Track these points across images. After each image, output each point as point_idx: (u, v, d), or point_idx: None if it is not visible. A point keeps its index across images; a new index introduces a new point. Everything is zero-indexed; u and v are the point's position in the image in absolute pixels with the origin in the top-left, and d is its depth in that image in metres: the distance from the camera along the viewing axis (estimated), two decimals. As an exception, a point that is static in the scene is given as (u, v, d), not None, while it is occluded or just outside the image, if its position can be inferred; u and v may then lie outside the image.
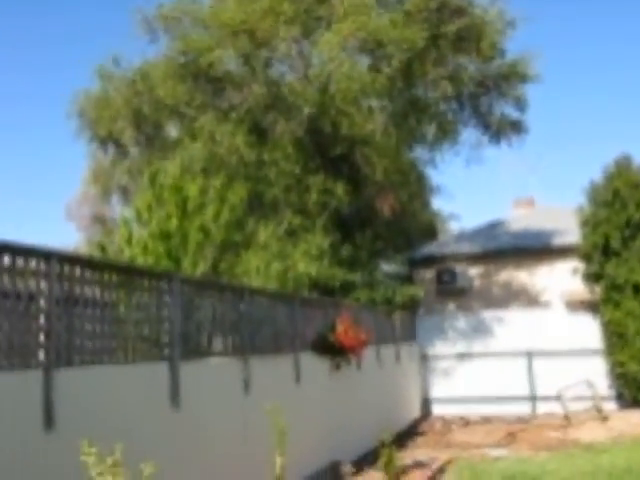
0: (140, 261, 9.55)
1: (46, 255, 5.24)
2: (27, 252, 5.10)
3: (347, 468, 10.08)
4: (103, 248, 10.13)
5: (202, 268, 9.85)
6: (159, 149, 16.95)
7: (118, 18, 32.68)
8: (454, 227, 31.58)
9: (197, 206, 10.25)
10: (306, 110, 15.10)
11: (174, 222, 9.95)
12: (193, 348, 7.33)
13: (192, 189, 10.42)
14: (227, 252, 10.87)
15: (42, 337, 5.16)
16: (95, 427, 5.33)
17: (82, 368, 5.57)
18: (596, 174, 17.39)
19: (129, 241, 9.92)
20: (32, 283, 5.15)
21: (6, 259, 4.91)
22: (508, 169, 59.55)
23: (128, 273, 6.45)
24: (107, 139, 18.44)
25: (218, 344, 8.01)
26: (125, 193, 19.98)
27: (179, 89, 15.38)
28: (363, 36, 13.90)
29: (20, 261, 5.03)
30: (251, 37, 14.95)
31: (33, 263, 5.14)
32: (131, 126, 16.85)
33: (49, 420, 5.04)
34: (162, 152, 16.37)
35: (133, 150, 18.54)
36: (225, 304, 8.21)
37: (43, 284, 5.21)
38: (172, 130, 17.85)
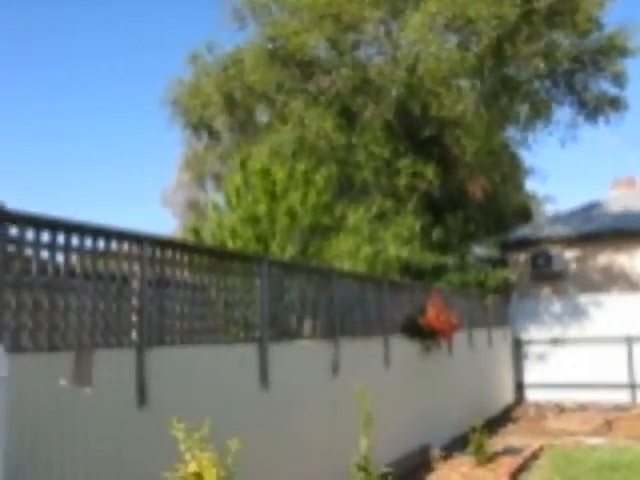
0: (229, 245, 9.75)
1: (138, 239, 5.42)
2: (120, 236, 5.29)
3: (436, 452, 10.02)
4: (197, 232, 10.41)
5: (290, 251, 9.96)
6: (250, 134, 17.18)
7: (208, 8, 33.34)
8: (550, 209, 30.69)
9: (284, 190, 10.35)
10: (394, 92, 14.94)
11: (262, 206, 10.10)
12: (282, 330, 7.44)
13: (280, 173, 10.53)
14: (315, 236, 10.94)
15: (135, 317, 5.34)
16: (185, 405, 5.49)
17: (173, 348, 5.74)
18: None
19: (219, 225, 10.15)
20: (125, 266, 5.34)
21: (101, 243, 5.10)
22: (607, 148, 57.28)
23: (218, 256, 6.60)
24: (200, 125, 18.86)
25: (307, 326, 8.10)
26: (218, 179, 20.37)
27: (269, 74, 15.54)
28: (451, 13, 13.63)
29: (114, 245, 5.22)
30: (337, 21, 14.93)
31: (126, 246, 5.33)
32: (223, 112, 17.15)
33: (142, 397, 5.22)
34: (253, 137, 16.60)
35: (225, 136, 18.86)
36: (314, 287, 8.28)
37: (136, 267, 5.39)
38: (263, 115, 18.05)
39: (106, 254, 5.15)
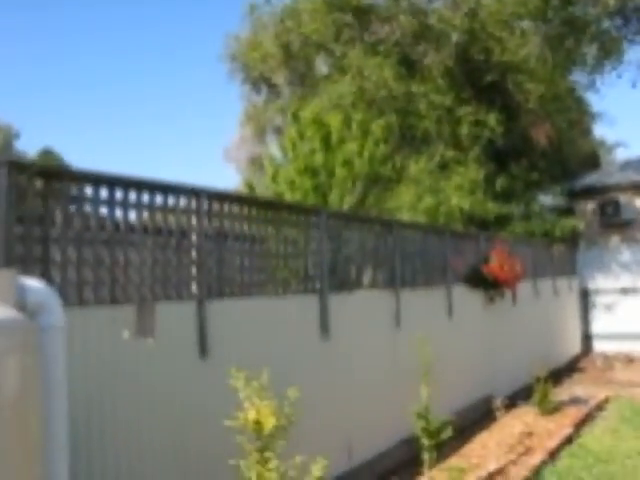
0: (287, 197, 9.76)
1: (195, 192, 5.46)
2: (177, 190, 5.34)
3: (500, 402, 9.97)
4: (251, 186, 10.40)
5: (349, 202, 9.90)
6: (310, 87, 17.06)
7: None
8: (621, 155, 29.63)
9: (341, 140, 10.23)
10: (455, 38, 14.55)
11: (318, 157, 10.02)
12: (342, 281, 7.45)
13: (334, 123, 10.40)
14: (375, 187, 10.83)
15: (194, 270, 5.42)
16: (246, 356, 5.58)
17: (233, 300, 5.82)
18: None
19: (275, 178, 10.12)
20: (184, 220, 5.40)
21: (158, 198, 5.17)
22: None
23: (275, 208, 6.62)
24: (259, 80, 18.84)
25: (368, 277, 8.10)
26: (279, 133, 20.36)
27: (326, 24, 15.33)
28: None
29: (171, 199, 5.28)
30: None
31: (183, 201, 5.38)
32: (281, 65, 17.07)
33: (203, 349, 5.33)
34: (312, 90, 16.47)
35: (285, 90, 18.79)
36: (374, 237, 8.26)
37: (194, 220, 5.45)
38: (321, 67, 17.88)
39: (164, 209, 5.21)
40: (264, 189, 10.43)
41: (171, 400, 5.02)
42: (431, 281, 9.69)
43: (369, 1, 16.18)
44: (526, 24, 15.03)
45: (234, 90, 24.29)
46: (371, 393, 7.65)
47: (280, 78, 17.63)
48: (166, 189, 5.25)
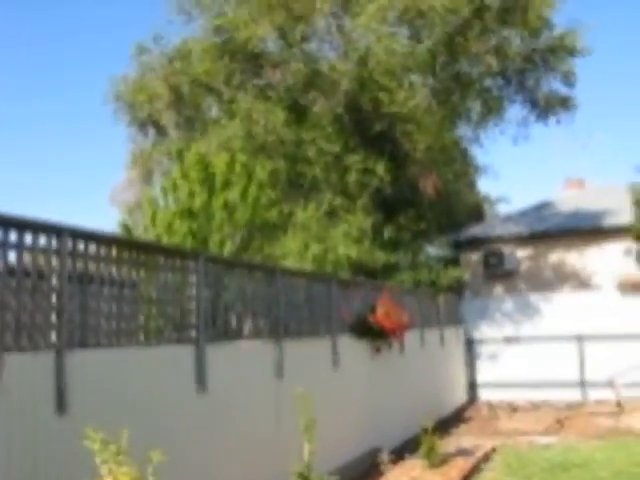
0: (165, 241, 9.23)
1: (57, 230, 4.95)
2: (36, 227, 4.82)
3: (386, 456, 9.68)
4: (127, 228, 9.79)
5: (230, 248, 9.47)
6: (198, 130, 16.68)
7: (150, 7, 32.48)
8: (503, 210, 30.65)
9: (224, 183, 9.85)
10: (345, 85, 14.59)
11: (198, 200, 9.56)
12: (221, 330, 7.02)
13: (219, 165, 10.03)
14: (259, 233, 10.47)
15: (54, 317, 4.89)
16: (111, 413, 5.05)
17: (98, 350, 5.29)
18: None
19: (153, 220, 9.59)
20: (43, 260, 4.87)
21: (12, 234, 4.63)
22: (557, 148, 57.88)
23: (148, 251, 6.15)
24: (146, 122, 18.31)
25: (249, 326, 7.70)
26: (166, 176, 19.82)
27: (217, 67, 15.08)
28: (404, 5, 13.33)
29: (29, 237, 4.76)
30: (288, 11, 14.52)
31: (43, 239, 4.86)
32: (170, 107, 16.63)
33: (61, 404, 4.77)
34: (201, 133, 16.10)
35: (172, 132, 18.33)
36: (257, 285, 7.88)
37: (54, 261, 4.94)
38: (210, 110, 17.56)
39: (19, 247, 4.68)
40: (142, 232, 9.85)
41: (23, 463, 4.43)
42: (316, 331, 9.38)
43: (261, 46, 16.05)
44: (415, 77, 15.32)
45: (119, 132, 23.63)
46: (252, 450, 7.18)
47: (168, 120, 17.15)
48: (22, 225, 4.72)
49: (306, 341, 8.93)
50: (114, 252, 5.61)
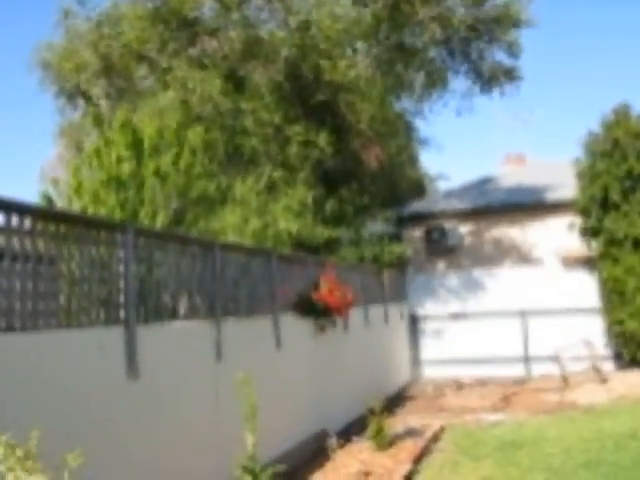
0: (91, 212, 8.48)
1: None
2: None
3: (333, 439, 9.24)
4: (49, 199, 8.94)
5: (162, 220, 8.76)
6: (130, 101, 15.76)
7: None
8: (443, 186, 30.47)
9: (154, 149, 9.07)
10: (285, 52, 13.91)
11: (127, 166, 8.77)
12: (154, 310, 6.39)
13: (148, 130, 9.24)
14: (195, 205, 9.77)
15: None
16: (26, 406, 4.41)
17: (8, 335, 4.62)
18: (593, 124, 16.55)
19: (78, 191, 8.76)
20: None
21: None
22: (498, 125, 58.36)
23: (70, 222, 5.45)
24: (75, 92, 17.30)
25: (185, 305, 7.08)
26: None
27: (149, 33, 14.19)
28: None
29: None
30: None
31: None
32: (99, 76, 15.66)
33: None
34: (133, 103, 15.19)
35: (103, 103, 17.36)
36: (193, 260, 7.26)
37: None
38: (143, 80, 16.61)
39: None
40: (66, 204, 9.02)
41: None
42: (257, 309, 8.83)
43: (196, 13, 15.21)
44: (358, 44, 14.74)
45: (48, 103, 22.42)
46: (190, 441, 6.60)
47: (98, 91, 16.18)
48: None
49: (246, 320, 8.37)
50: (27, 224, 4.92)
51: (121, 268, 5.88)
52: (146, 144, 9.04)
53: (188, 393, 6.74)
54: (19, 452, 3.24)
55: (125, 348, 5.76)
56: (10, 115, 46.66)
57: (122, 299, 5.85)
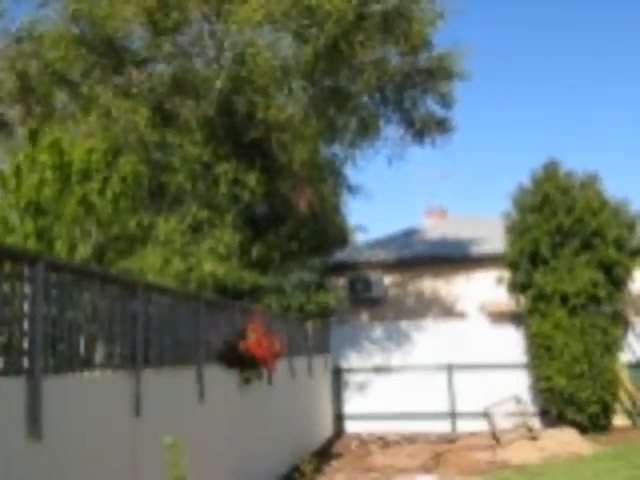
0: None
1: None
2: None
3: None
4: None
5: (83, 253, 7.81)
6: (48, 126, 14.66)
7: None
8: (361, 238, 29.83)
9: (82, 174, 8.12)
10: (219, 85, 13.21)
11: (49, 190, 7.74)
12: (65, 358, 5.48)
13: (77, 152, 8.28)
14: (115, 242, 8.84)
15: None
16: None
17: None
18: (519, 180, 16.58)
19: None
20: None
21: None
22: (417, 177, 59.11)
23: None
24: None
25: (100, 353, 6.17)
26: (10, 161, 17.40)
27: (74, 55, 13.23)
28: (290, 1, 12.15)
29: None
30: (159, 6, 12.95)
31: None
32: (16, 97, 14.51)
33: None
34: (51, 128, 14.10)
35: (18, 129, 16.14)
36: (112, 302, 6.37)
37: None
38: (64, 105, 15.48)
39: None
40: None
41: None
42: (181, 359, 7.95)
43: (124, 42, 14.39)
44: (294, 83, 14.21)
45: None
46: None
47: (12, 114, 15.01)
48: None
49: (169, 371, 7.49)
50: None
51: (27, 307, 4.97)
52: (75, 167, 8.08)
53: (101, 456, 5.79)
54: None
55: (26, 404, 4.83)
56: None
57: (26, 345, 4.93)
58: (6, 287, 4.82)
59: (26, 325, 4.97)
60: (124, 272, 8.48)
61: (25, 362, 4.90)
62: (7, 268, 4.85)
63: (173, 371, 7.63)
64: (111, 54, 13.97)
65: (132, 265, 9.78)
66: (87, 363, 5.84)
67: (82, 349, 5.78)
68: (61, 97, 14.88)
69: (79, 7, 13.04)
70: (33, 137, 8.87)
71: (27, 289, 4.97)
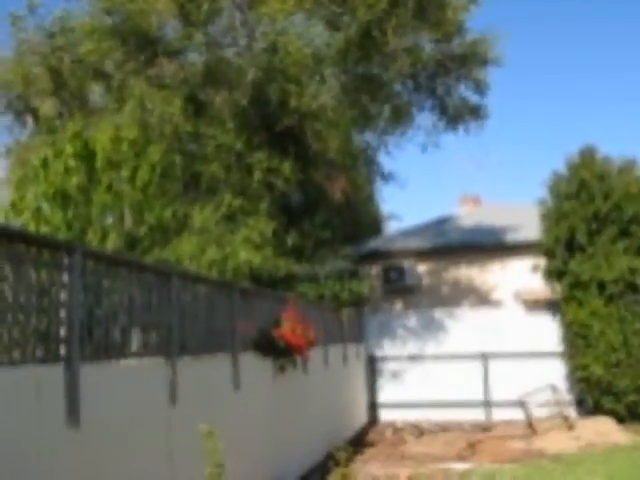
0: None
1: None
2: None
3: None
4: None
5: (114, 242, 7.87)
6: (83, 117, 14.83)
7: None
8: (394, 227, 29.75)
9: (107, 162, 8.16)
10: (251, 75, 13.22)
11: (75, 179, 7.80)
12: (101, 346, 5.56)
13: (102, 140, 8.34)
14: (150, 231, 8.89)
15: None
16: None
17: None
18: (554, 167, 16.34)
19: (16, 206, 7.73)
20: None
21: None
22: (451, 165, 58.69)
23: (4, 238, 4.59)
24: (24, 110, 16.33)
25: (137, 341, 6.24)
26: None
27: (107, 47, 13.34)
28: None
29: None
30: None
31: None
32: (50, 92, 14.69)
33: None
34: (86, 120, 14.27)
35: (54, 123, 16.36)
36: (148, 290, 6.44)
37: None
38: (98, 98, 15.64)
39: None
40: (3, 221, 8.00)
41: None
42: (216, 347, 8.02)
43: (158, 33, 14.47)
44: (327, 69, 14.16)
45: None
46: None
47: (48, 107, 15.19)
48: None
49: (204, 359, 7.56)
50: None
51: (64, 296, 5.05)
52: (99, 156, 8.15)
53: (137, 442, 5.87)
54: None
55: (65, 391, 4.91)
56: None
57: (64, 333, 5.01)
58: (44, 276, 4.90)
59: (63, 313, 5.04)
60: (159, 261, 8.55)
61: (63, 350, 4.99)
62: (46, 257, 4.92)
63: (208, 359, 7.70)
64: (144, 46, 14.05)
65: (167, 255, 9.88)
66: (123, 351, 5.92)
67: (118, 337, 5.86)
68: (95, 90, 14.99)
69: (111, 2, 13.12)
70: (54, 130, 8.94)
71: (65, 278, 5.04)
